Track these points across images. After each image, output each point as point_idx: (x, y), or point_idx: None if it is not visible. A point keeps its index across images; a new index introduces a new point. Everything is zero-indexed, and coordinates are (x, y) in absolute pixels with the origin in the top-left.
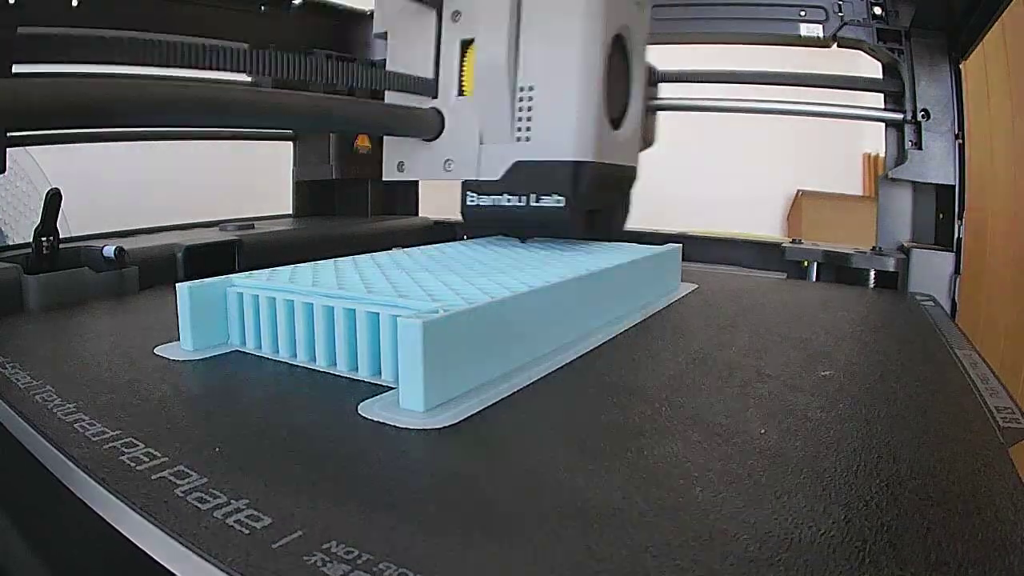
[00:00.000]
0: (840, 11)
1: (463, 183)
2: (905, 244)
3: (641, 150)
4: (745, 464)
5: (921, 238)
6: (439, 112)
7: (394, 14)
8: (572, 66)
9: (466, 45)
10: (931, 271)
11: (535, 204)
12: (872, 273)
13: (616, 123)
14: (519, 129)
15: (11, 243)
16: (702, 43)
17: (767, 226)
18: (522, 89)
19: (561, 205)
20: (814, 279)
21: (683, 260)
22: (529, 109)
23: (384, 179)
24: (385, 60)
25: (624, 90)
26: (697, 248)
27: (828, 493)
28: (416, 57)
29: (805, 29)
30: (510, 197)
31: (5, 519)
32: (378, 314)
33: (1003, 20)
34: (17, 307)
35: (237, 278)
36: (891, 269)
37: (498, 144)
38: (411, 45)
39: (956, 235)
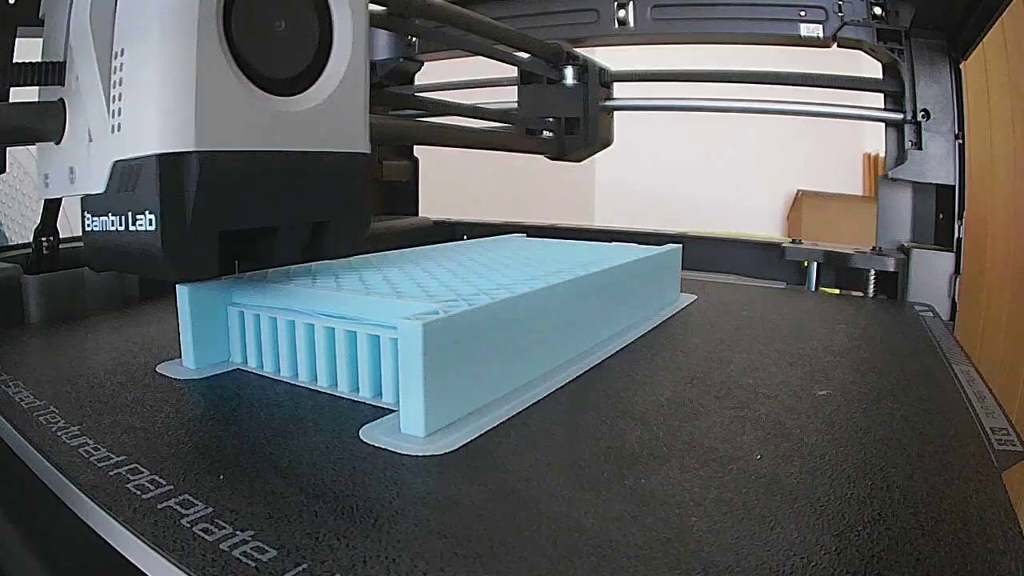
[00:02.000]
0: (840, 11)
1: (81, 200)
2: (905, 244)
3: (598, 150)
4: (740, 492)
5: (921, 238)
6: (62, 104)
7: None
8: (165, 4)
9: None
10: (931, 271)
11: (131, 228)
12: (872, 273)
13: (287, 85)
14: (113, 114)
15: (11, 243)
16: (702, 43)
17: (767, 226)
18: (116, 56)
19: (151, 229)
20: (814, 279)
21: (683, 264)
22: (121, 83)
23: (38, 199)
24: None
25: (306, 30)
26: (697, 248)
27: (821, 522)
28: (49, 41)
29: (805, 29)
30: (113, 217)
31: (16, 543)
32: (379, 336)
33: (1003, 20)
34: (18, 313)
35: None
36: (891, 269)
37: (100, 140)
38: (56, 24)
39: (956, 235)
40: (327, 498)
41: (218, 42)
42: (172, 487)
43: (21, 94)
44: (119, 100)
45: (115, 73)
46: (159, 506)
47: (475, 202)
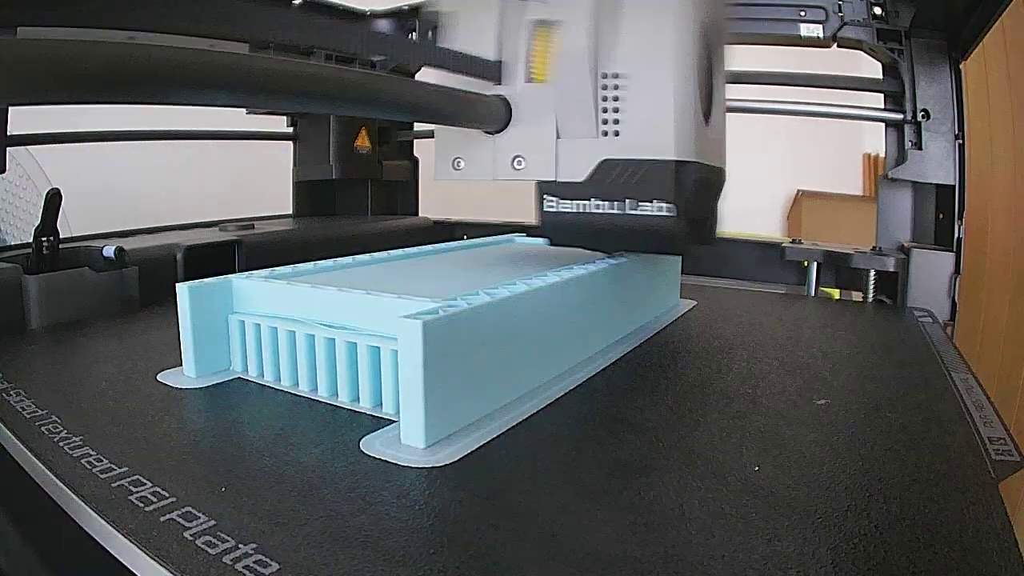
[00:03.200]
0: (840, 11)
1: (538, 185)
2: (905, 244)
3: None
4: (738, 505)
5: (921, 238)
6: (505, 100)
7: None
8: (668, 49)
9: (537, 25)
10: (931, 271)
11: (634, 212)
12: (872, 273)
13: (707, 119)
14: (605, 122)
15: (11, 243)
16: None
17: (767, 226)
18: (606, 76)
19: (672, 215)
20: (814, 279)
21: (684, 264)
22: (616, 99)
23: (436, 178)
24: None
25: (709, 83)
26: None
27: (818, 536)
28: (475, 38)
29: (805, 29)
30: (599, 202)
31: (23, 553)
32: (379, 348)
33: (1003, 20)
34: (18, 316)
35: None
36: (891, 269)
37: (579, 139)
38: (469, 24)
39: (956, 235)
40: (328, 511)
41: (698, 88)
42: (175, 499)
43: None
44: (614, 112)
45: (607, 89)
46: (162, 519)
47: (475, 202)
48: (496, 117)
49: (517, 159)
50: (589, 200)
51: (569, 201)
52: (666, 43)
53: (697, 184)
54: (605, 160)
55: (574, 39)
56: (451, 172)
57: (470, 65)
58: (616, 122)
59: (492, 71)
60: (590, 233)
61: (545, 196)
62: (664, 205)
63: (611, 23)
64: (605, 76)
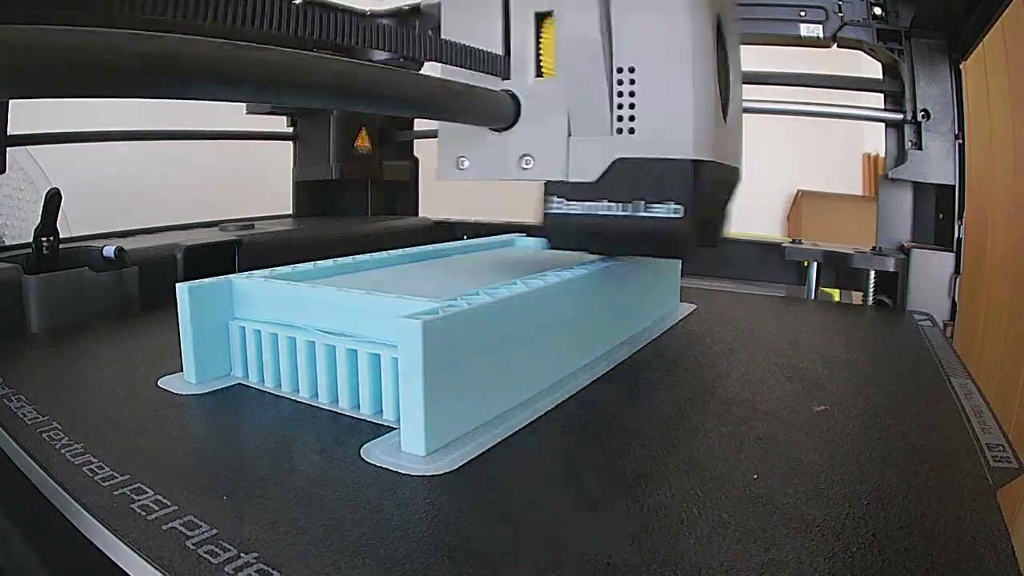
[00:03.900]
0: (840, 11)
1: (545, 185)
2: (905, 244)
3: None
4: (737, 513)
5: (921, 238)
6: (513, 96)
7: None
8: (683, 41)
9: (542, 17)
10: (931, 271)
11: (643, 214)
12: (872, 273)
13: (724, 114)
14: (619, 119)
15: (11, 243)
16: None
17: (767, 226)
18: (620, 71)
19: (678, 216)
20: (814, 279)
21: (684, 265)
22: (632, 95)
23: (439, 178)
24: None
25: (724, 79)
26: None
27: (815, 544)
28: (477, 30)
29: (805, 29)
30: (610, 204)
31: (26, 560)
32: (379, 355)
33: (1003, 20)
34: (19, 318)
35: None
36: (891, 269)
37: (591, 137)
38: (471, 16)
39: (956, 235)
40: (330, 519)
41: (714, 77)
42: (176, 507)
43: None
44: (629, 108)
45: (621, 84)
46: (164, 527)
47: (475, 202)
48: (504, 113)
49: (525, 158)
50: (599, 201)
51: (577, 202)
52: (681, 33)
53: (713, 184)
54: (619, 159)
55: (583, 31)
56: (455, 172)
57: (475, 59)
58: (631, 119)
59: (499, 66)
60: (595, 237)
61: (551, 196)
62: (676, 206)
63: (621, 13)
64: (619, 71)
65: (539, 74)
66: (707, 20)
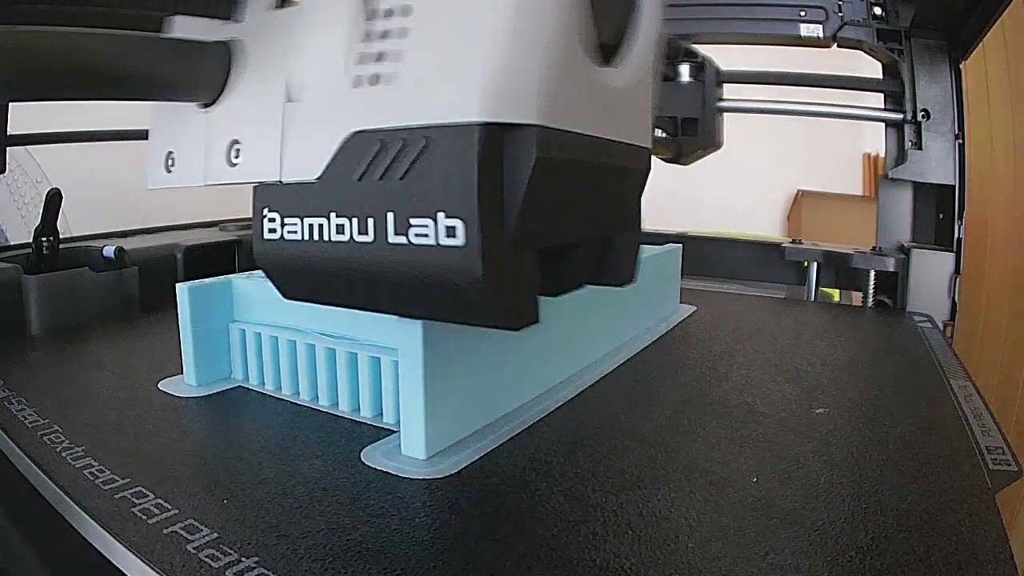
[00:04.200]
0: (840, 11)
1: (254, 192)
2: (905, 244)
3: (706, 153)
4: (736, 516)
5: (921, 238)
6: (226, 47)
7: None
8: None
9: None
10: (931, 271)
11: (394, 242)
12: (872, 273)
13: (605, 54)
14: (371, 57)
15: (11, 243)
16: (702, 43)
17: (767, 226)
18: None
19: (458, 244)
20: (814, 279)
21: (684, 265)
22: (390, 14)
23: (150, 187)
24: None
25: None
26: (697, 248)
27: (814, 548)
28: None
29: (805, 29)
30: (340, 222)
31: (28, 564)
32: (379, 359)
33: (1003, 20)
34: (19, 320)
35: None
36: (891, 269)
37: (323, 100)
38: None
39: (956, 235)
40: (330, 523)
41: None
42: (177, 511)
43: None
44: (388, 39)
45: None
46: (165, 531)
47: None
48: (211, 76)
49: (234, 147)
50: (326, 216)
51: (295, 220)
52: None
53: (559, 175)
54: (358, 132)
55: None
56: (162, 176)
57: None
58: (394, 57)
59: (223, 5)
60: (327, 284)
61: (264, 211)
62: (452, 223)
63: None
64: None
65: (274, 5)
66: None
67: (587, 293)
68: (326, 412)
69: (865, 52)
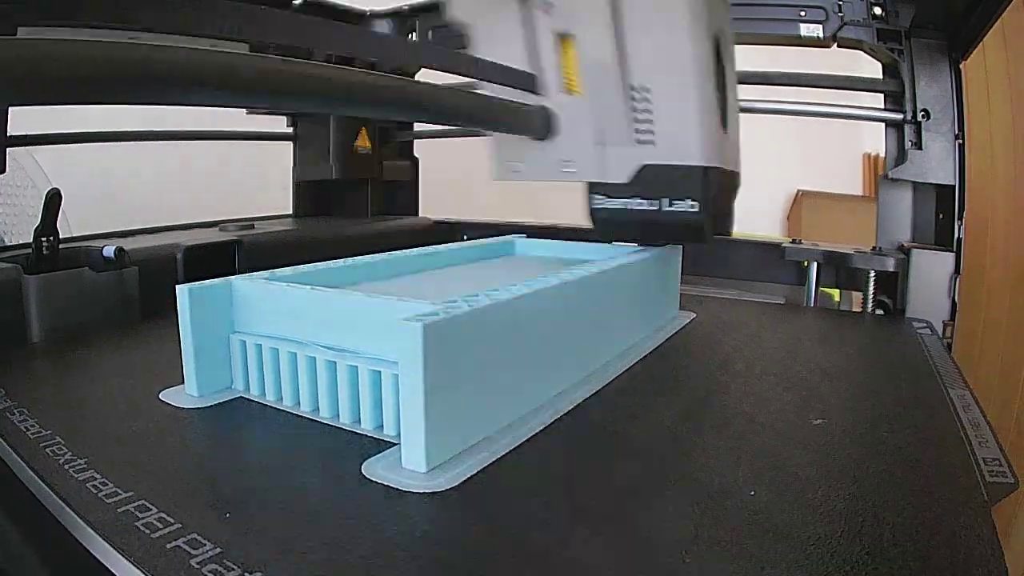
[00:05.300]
0: (840, 11)
1: (588, 186)
2: (905, 244)
3: None
4: (733, 530)
5: (921, 238)
6: (546, 111)
7: (470, 3)
8: (687, 63)
9: (562, 39)
10: (931, 271)
11: (668, 209)
12: (872, 273)
13: (724, 126)
14: (638, 131)
15: (11, 243)
16: None
17: (767, 226)
18: (634, 88)
19: (696, 210)
20: (814, 279)
21: (684, 264)
22: (648, 111)
23: (493, 179)
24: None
25: (723, 93)
26: (697, 248)
27: (811, 563)
28: (500, 51)
29: (805, 29)
30: (640, 201)
31: (33, 572)
32: (380, 372)
33: (1003, 20)
34: (19, 321)
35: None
36: (891, 269)
37: (620, 146)
38: (494, 36)
39: (956, 235)
40: (332, 538)
41: (716, 99)
42: (180, 525)
43: None
44: (647, 123)
45: (636, 100)
46: (168, 546)
47: (474, 202)
48: (541, 126)
49: (565, 163)
50: (632, 198)
51: (614, 199)
52: (683, 55)
53: (719, 186)
54: (646, 165)
55: (597, 52)
56: (508, 174)
57: (516, 79)
58: (650, 132)
59: (530, 82)
60: (631, 227)
61: (593, 195)
62: (693, 203)
63: (632, 35)
64: (633, 89)
65: (566, 91)
66: (707, 43)
67: (587, 302)
68: (327, 424)
69: (865, 52)
